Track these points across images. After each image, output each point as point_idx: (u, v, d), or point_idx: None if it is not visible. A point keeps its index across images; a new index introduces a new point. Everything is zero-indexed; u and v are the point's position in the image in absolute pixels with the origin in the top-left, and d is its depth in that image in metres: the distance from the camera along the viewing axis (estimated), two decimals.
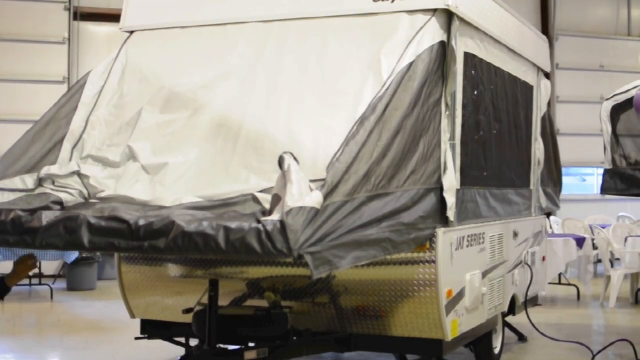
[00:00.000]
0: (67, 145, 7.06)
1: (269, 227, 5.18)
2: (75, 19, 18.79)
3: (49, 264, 17.02)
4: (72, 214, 5.91)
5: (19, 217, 5.94)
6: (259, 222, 5.28)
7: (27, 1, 18.48)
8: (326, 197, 5.50)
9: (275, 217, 5.29)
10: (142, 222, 5.58)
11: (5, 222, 5.95)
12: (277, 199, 5.53)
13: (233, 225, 5.34)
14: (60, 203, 6.22)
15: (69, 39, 18.72)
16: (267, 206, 5.65)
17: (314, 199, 5.41)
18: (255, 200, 5.77)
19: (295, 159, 5.80)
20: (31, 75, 18.26)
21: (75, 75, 18.28)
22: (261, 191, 5.88)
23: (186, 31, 8.02)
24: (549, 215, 11.41)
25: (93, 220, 5.74)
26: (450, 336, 7.23)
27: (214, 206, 5.74)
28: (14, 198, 6.36)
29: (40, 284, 16.14)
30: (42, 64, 18.41)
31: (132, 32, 8.29)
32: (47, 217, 5.90)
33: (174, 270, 7.92)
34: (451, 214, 7.17)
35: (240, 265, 7.60)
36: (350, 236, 5.69)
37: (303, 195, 5.44)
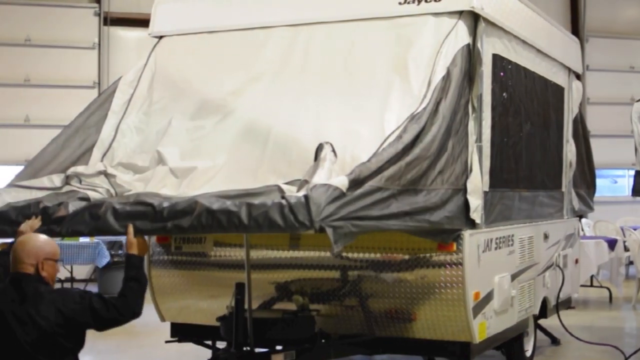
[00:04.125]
0: (96, 153, 7.10)
1: (292, 201, 5.32)
2: (105, 24, 18.86)
3: (81, 268, 17.09)
4: (97, 202, 6.03)
5: (46, 207, 6.05)
6: (282, 197, 5.42)
7: (57, 7, 18.59)
8: (353, 183, 5.61)
9: (300, 193, 5.43)
10: (165, 204, 5.72)
11: (34, 213, 6.06)
12: (304, 183, 5.62)
13: (256, 201, 5.48)
14: (87, 199, 6.28)
15: (99, 44, 18.81)
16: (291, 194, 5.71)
17: (339, 180, 5.56)
18: (280, 190, 5.82)
19: (333, 150, 5.99)
20: (62, 81, 18.35)
21: (106, 80, 18.36)
22: (286, 183, 5.95)
23: (214, 36, 8.06)
24: (581, 217, 11.32)
25: (118, 206, 5.84)
26: (477, 339, 7.20)
27: (238, 195, 5.79)
28: (42, 196, 6.43)
29: (72, 288, 16.20)
30: (73, 69, 18.50)
31: (160, 37, 8.34)
32: (73, 206, 6.00)
33: (202, 273, 7.94)
34: (476, 215, 7.15)
35: (268, 268, 7.62)
36: (372, 222, 5.80)
37: (330, 178, 5.61)
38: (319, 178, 5.59)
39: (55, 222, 6.00)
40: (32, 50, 18.42)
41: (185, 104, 7.42)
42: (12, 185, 6.66)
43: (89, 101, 7.87)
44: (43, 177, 6.75)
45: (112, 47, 18.98)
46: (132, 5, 18.55)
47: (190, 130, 7.14)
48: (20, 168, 7.08)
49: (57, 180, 6.71)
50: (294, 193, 5.54)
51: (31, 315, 5.15)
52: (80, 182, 6.71)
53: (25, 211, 6.12)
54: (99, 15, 18.79)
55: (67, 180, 6.71)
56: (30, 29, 18.43)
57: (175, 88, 7.64)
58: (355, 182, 5.66)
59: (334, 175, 5.71)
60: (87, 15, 18.76)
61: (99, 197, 6.40)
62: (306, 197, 5.32)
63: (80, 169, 6.82)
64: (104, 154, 7.11)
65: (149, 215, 5.75)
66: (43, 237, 5.52)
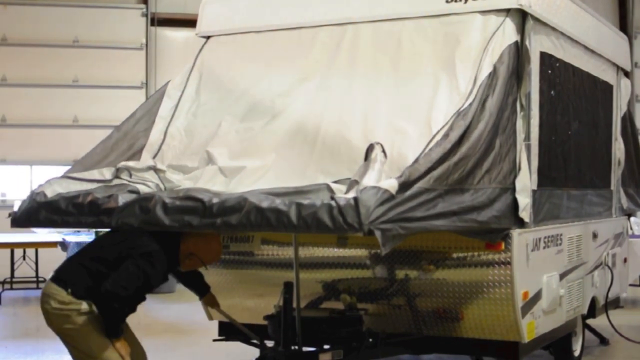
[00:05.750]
0: (146, 155, 7.14)
1: (342, 203, 5.36)
2: (152, 24, 19.01)
3: None
4: (147, 195, 6.13)
5: (96, 199, 6.16)
6: (332, 199, 5.44)
7: (104, 8, 18.77)
8: (403, 185, 5.61)
9: (349, 194, 5.43)
10: (215, 200, 5.79)
11: (83, 204, 6.18)
12: (354, 184, 5.62)
13: (305, 201, 5.52)
14: (137, 193, 6.34)
15: (147, 45, 18.96)
16: (341, 195, 5.71)
17: (389, 183, 5.57)
18: (329, 189, 5.84)
19: (384, 151, 5.99)
20: (110, 81, 18.51)
21: (153, 81, 18.50)
22: (335, 182, 5.96)
23: (261, 36, 8.07)
24: (629, 216, 11.22)
25: (167, 200, 5.92)
26: (526, 338, 7.17)
27: (287, 193, 5.82)
28: (92, 188, 6.50)
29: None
30: (121, 70, 18.66)
31: (208, 38, 8.37)
32: (123, 198, 6.09)
33: (250, 272, 7.97)
34: (525, 214, 7.10)
35: (316, 267, 7.64)
36: (420, 223, 5.78)
37: (380, 180, 5.60)
38: (369, 180, 5.58)
39: (104, 214, 6.10)
40: (80, 52, 18.61)
41: (234, 105, 7.44)
42: (63, 176, 6.75)
43: (137, 101, 7.94)
44: (93, 170, 6.83)
45: (159, 47, 19.12)
46: (179, 6, 18.68)
47: (240, 131, 7.17)
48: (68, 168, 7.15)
49: (107, 173, 6.78)
50: (343, 194, 5.54)
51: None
52: (130, 175, 6.77)
53: (75, 201, 6.23)
54: (146, 16, 18.94)
55: (117, 174, 6.78)
56: (78, 30, 18.62)
57: (224, 89, 7.67)
58: (405, 185, 5.65)
59: (384, 177, 5.71)
60: (135, 16, 18.92)
61: (148, 191, 6.45)
62: (356, 199, 5.33)
63: (130, 163, 6.89)
64: (154, 157, 7.15)
65: (198, 211, 5.81)
66: (219, 243, 6.40)
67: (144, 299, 5.96)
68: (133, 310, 5.96)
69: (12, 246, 15.66)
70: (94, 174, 6.78)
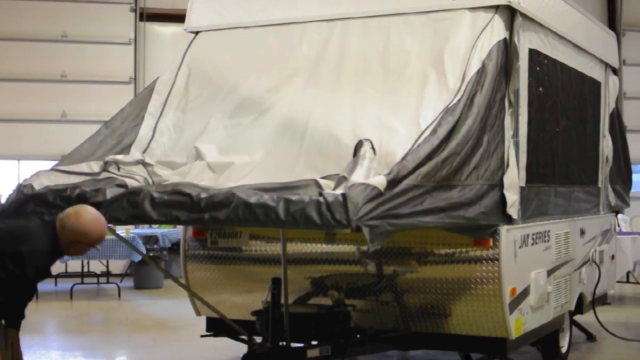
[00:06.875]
0: (134, 151, 7.12)
1: (330, 199, 5.36)
2: (141, 19, 18.98)
3: (116, 263, 17.20)
4: (136, 189, 6.10)
5: (84, 192, 6.13)
6: (320, 195, 5.45)
7: (93, 3, 18.72)
8: (391, 183, 5.61)
9: (338, 191, 5.45)
10: (203, 195, 5.79)
11: (71, 197, 6.16)
12: (342, 180, 5.63)
13: (294, 197, 5.53)
14: (124, 187, 6.32)
15: (135, 40, 18.92)
16: (329, 191, 5.72)
17: (378, 180, 5.57)
18: (317, 185, 5.85)
19: (373, 148, 6.03)
20: (98, 76, 18.48)
21: (142, 76, 18.48)
22: (323, 177, 5.96)
23: (250, 31, 8.06)
24: (617, 213, 11.26)
25: (156, 194, 5.92)
26: (514, 335, 7.18)
27: (275, 188, 5.82)
28: (80, 181, 6.49)
29: (107, 282, 16.34)
30: (109, 65, 18.62)
31: (196, 33, 8.35)
32: (111, 192, 6.08)
33: (238, 268, 7.97)
34: (513, 211, 7.11)
35: (304, 263, 7.64)
36: (408, 220, 5.78)
37: (368, 177, 5.60)
38: (358, 176, 5.59)
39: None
40: (68, 46, 18.58)
41: (223, 101, 7.43)
42: (51, 169, 6.75)
43: (126, 97, 7.94)
44: (81, 163, 6.82)
45: (148, 42, 19.09)
46: (168, 1, 18.66)
47: (228, 127, 7.16)
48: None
49: (95, 166, 6.77)
50: (331, 190, 5.55)
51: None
52: (118, 169, 6.75)
53: (62, 194, 6.22)
54: (135, 11, 18.92)
55: (105, 167, 6.76)
56: (67, 25, 18.58)
57: (212, 85, 7.66)
58: (394, 182, 5.66)
59: (372, 173, 5.71)
60: (123, 11, 18.88)
61: (136, 185, 6.44)
62: (344, 195, 5.34)
63: (119, 157, 6.87)
64: (143, 153, 7.12)
65: (186, 205, 5.81)
66: (98, 223, 5.67)
67: (29, 298, 5.73)
68: (20, 315, 5.70)
69: None
70: (82, 167, 6.76)
